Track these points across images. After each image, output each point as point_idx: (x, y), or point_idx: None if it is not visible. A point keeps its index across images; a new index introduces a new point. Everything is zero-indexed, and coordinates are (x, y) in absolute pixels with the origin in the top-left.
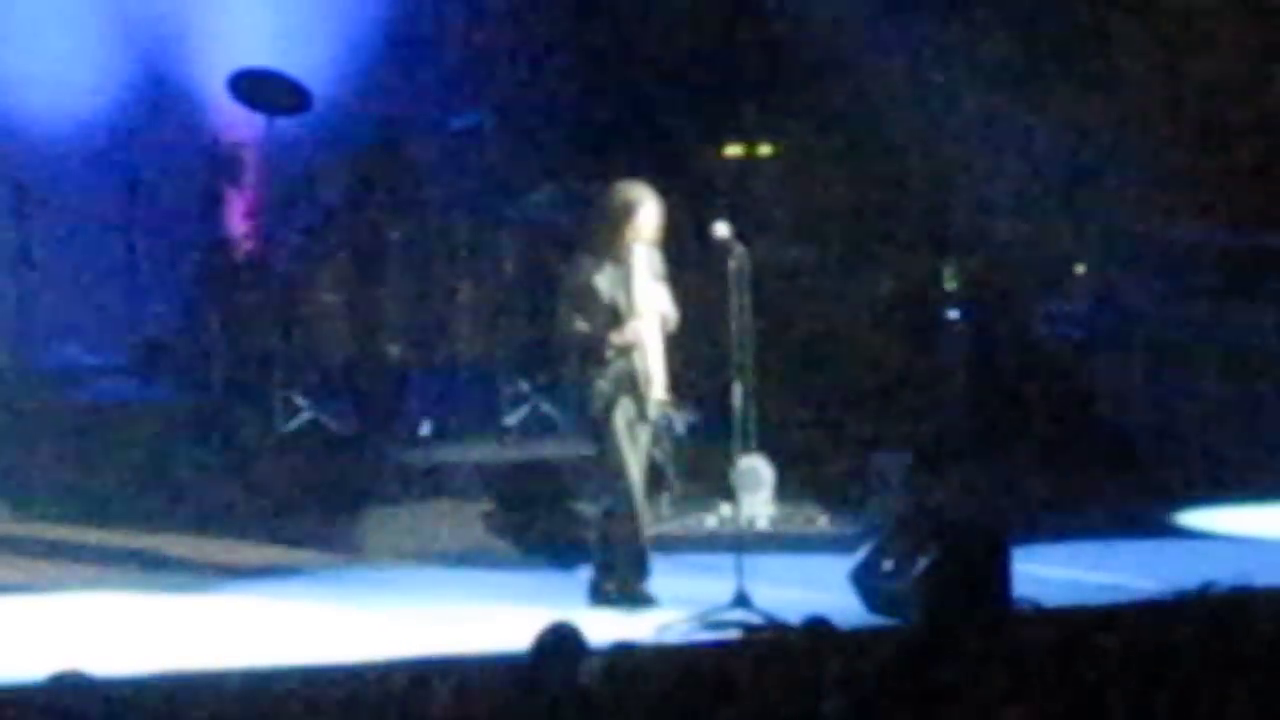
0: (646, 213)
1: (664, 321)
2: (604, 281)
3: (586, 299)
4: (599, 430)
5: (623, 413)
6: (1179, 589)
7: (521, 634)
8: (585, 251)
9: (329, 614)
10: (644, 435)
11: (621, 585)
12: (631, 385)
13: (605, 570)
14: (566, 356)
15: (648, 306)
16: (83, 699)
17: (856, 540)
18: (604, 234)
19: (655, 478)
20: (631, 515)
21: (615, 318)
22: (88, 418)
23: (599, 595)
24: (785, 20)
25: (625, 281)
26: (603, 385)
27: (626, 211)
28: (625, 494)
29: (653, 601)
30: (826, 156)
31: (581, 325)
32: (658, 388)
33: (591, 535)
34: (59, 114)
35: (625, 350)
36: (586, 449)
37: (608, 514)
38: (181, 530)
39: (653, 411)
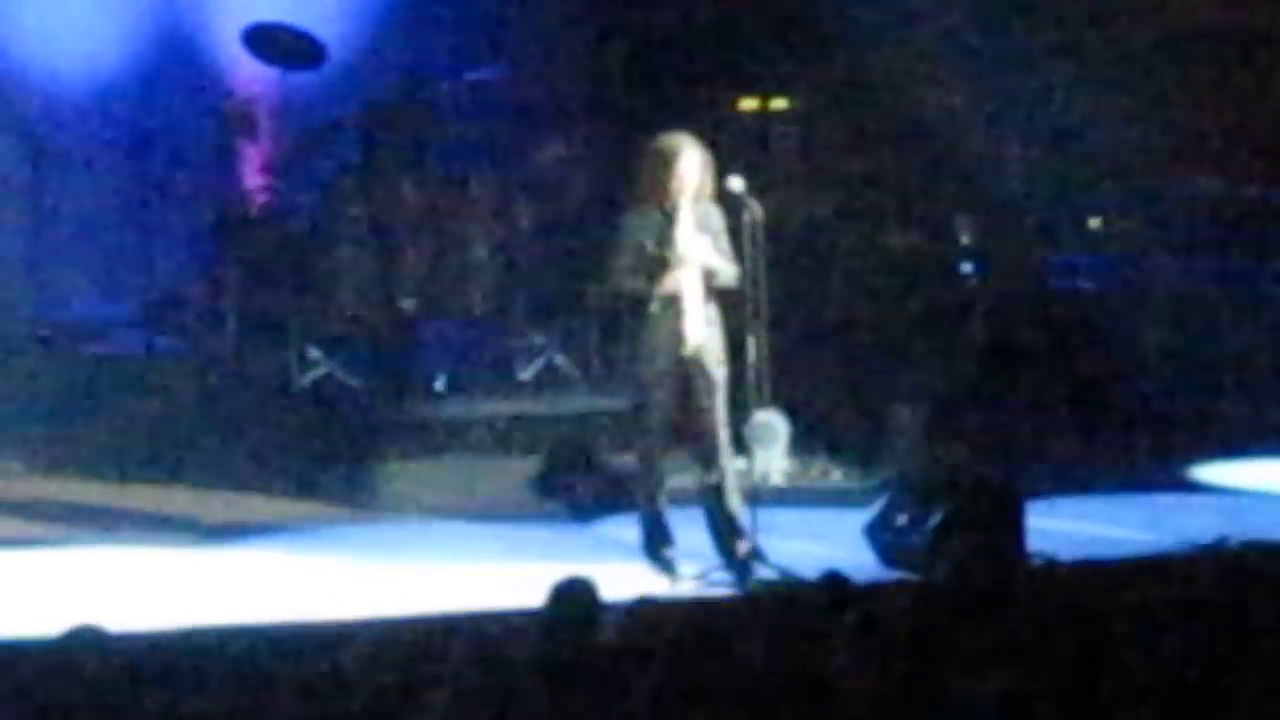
0: (687, 161)
1: (712, 275)
2: (648, 234)
3: (632, 252)
4: (636, 387)
5: (662, 370)
6: (1193, 543)
7: (537, 589)
8: (632, 205)
9: (343, 568)
10: (700, 392)
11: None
12: (678, 341)
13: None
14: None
15: (692, 259)
16: (97, 654)
17: (871, 495)
18: (647, 186)
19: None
20: (647, 475)
21: (660, 269)
22: (102, 371)
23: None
24: None
25: (668, 233)
26: (648, 341)
27: (667, 161)
28: (644, 454)
29: (669, 568)
30: (841, 110)
31: (627, 279)
32: (711, 346)
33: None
34: (73, 69)
35: (669, 302)
36: (604, 401)
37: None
38: (196, 484)
39: (713, 369)
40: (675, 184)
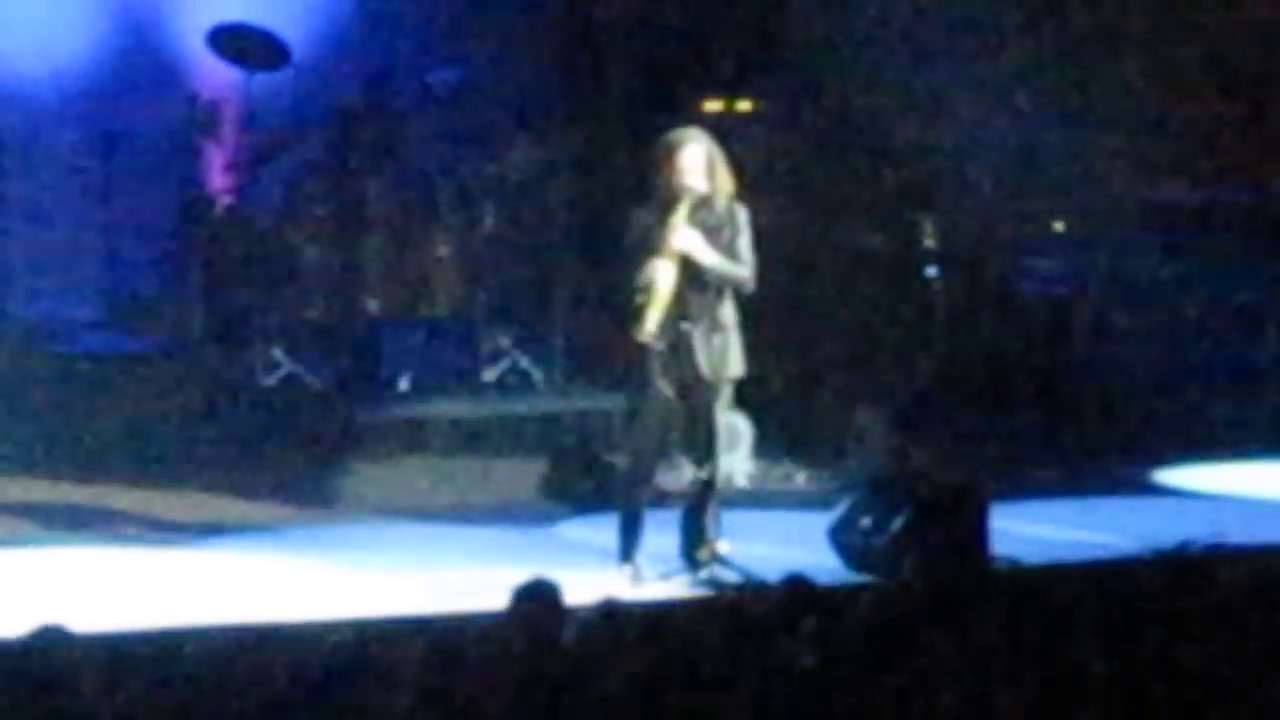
0: (688, 156)
1: (705, 271)
2: (647, 229)
3: (632, 249)
4: (632, 391)
5: (664, 375)
6: (1156, 546)
7: (499, 591)
8: (640, 203)
9: (307, 569)
10: (704, 396)
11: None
12: (684, 339)
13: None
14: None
15: (674, 249)
16: (62, 654)
17: (835, 497)
18: (652, 181)
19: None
20: (630, 483)
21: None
22: (66, 371)
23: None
24: None
25: (666, 226)
26: (645, 346)
27: (668, 155)
28: (631, 461)
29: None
30: (807, 112)
31: (627, 275)
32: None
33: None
34: (37, 67)
35: (646, 291)
36: (569, 403)
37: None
38: (160, 485)
39: (707, 370)
40: (676, 178)
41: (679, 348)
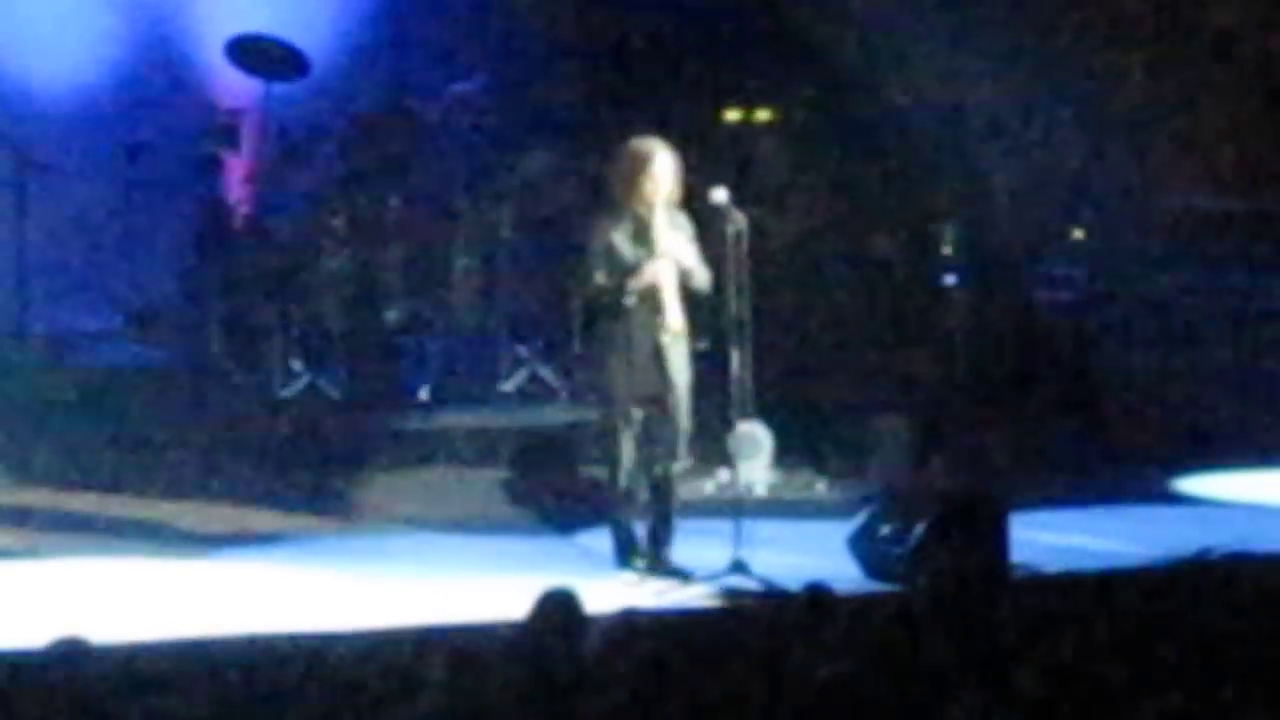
0: (661, 164)
1: (687, 274)
2: (623, 238)
3: (608, 257)
4: (604, 400)
5: (635, 383)
6: (1176, 555)
7: (519, 601)
8: (604, 211)
9: (326, 580)
10: (674, 402)
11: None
12: (657, 329)
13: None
14: (589, 317)
15: (670, 252)
16: (82, 666)
17: (854, 506)
18: (620, 190)
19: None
20: (616, 488)
21: (636, 266)
22: (86, 383)
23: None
24: None
25: (645, 235)
26: (625, 336)
27: (639, 165)
28: (612, 478)
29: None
30: (825, 121)
31: (603, 280)
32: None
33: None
34: (57, 79)
35: (648, 293)
36: (585, 414)
37: (606, 483)
38: (178, 496)
39: (679, 379)
40: (650, 186)
41: (649, 356)
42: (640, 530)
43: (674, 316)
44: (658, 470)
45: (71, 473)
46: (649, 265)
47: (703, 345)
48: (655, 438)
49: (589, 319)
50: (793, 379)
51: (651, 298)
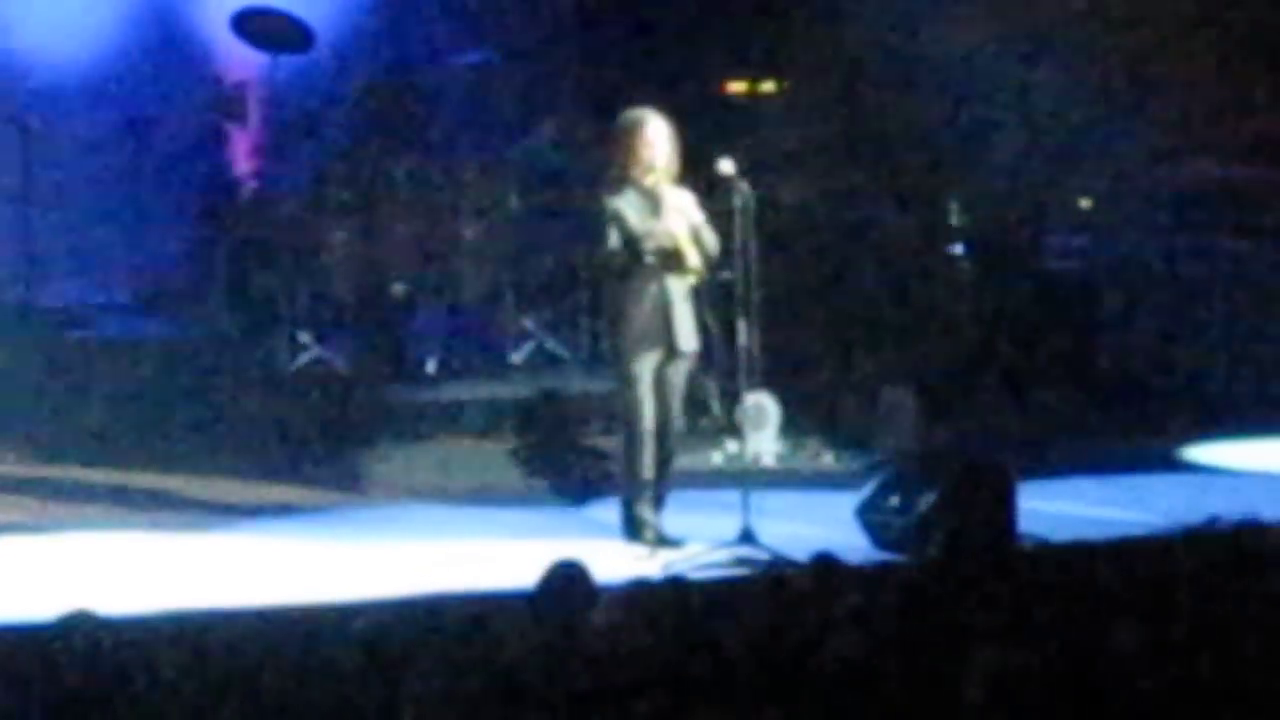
0: (654, 129)
1: (699, 230)
2: (629, 207)
3: (616, 226)
4: (620, 369)
5: (648, 350)
6: (1185, 524)
7: (528, 572)
8: (607, 185)
9: (335, 552)
10: (677, 369)
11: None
12: (665, 315)
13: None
14: (599, 285)
15: (681, 210)
16: (91, 639)
17: (862, 476)
18: (618, 160)
19: (698, 410)
20: (637, 457)
21: (647, 232)
22: (92, 356)
23: (629, 530)
24: None
25: (650, 199)
26: (637, 324)
27: (631, 132)
28: (629, 439)
29: (664, 541)
30: (830, 92)
31: (616, 251)
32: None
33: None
34: (62, 54)
35: (666, 255)
36: (594, 384)
37: (623, 453)
38: (187, 469)
39: (685, 343)
40: (647, 151)
41: (659, 318)
42: (650, 501)
43: (695, 260)
44: (660, 451)
45: (78, 446)
46: (661, 224)
47: (726, 274)
48: (661, 400)
49: (598, 286)
50: (800, 349)
51: (666, 256)
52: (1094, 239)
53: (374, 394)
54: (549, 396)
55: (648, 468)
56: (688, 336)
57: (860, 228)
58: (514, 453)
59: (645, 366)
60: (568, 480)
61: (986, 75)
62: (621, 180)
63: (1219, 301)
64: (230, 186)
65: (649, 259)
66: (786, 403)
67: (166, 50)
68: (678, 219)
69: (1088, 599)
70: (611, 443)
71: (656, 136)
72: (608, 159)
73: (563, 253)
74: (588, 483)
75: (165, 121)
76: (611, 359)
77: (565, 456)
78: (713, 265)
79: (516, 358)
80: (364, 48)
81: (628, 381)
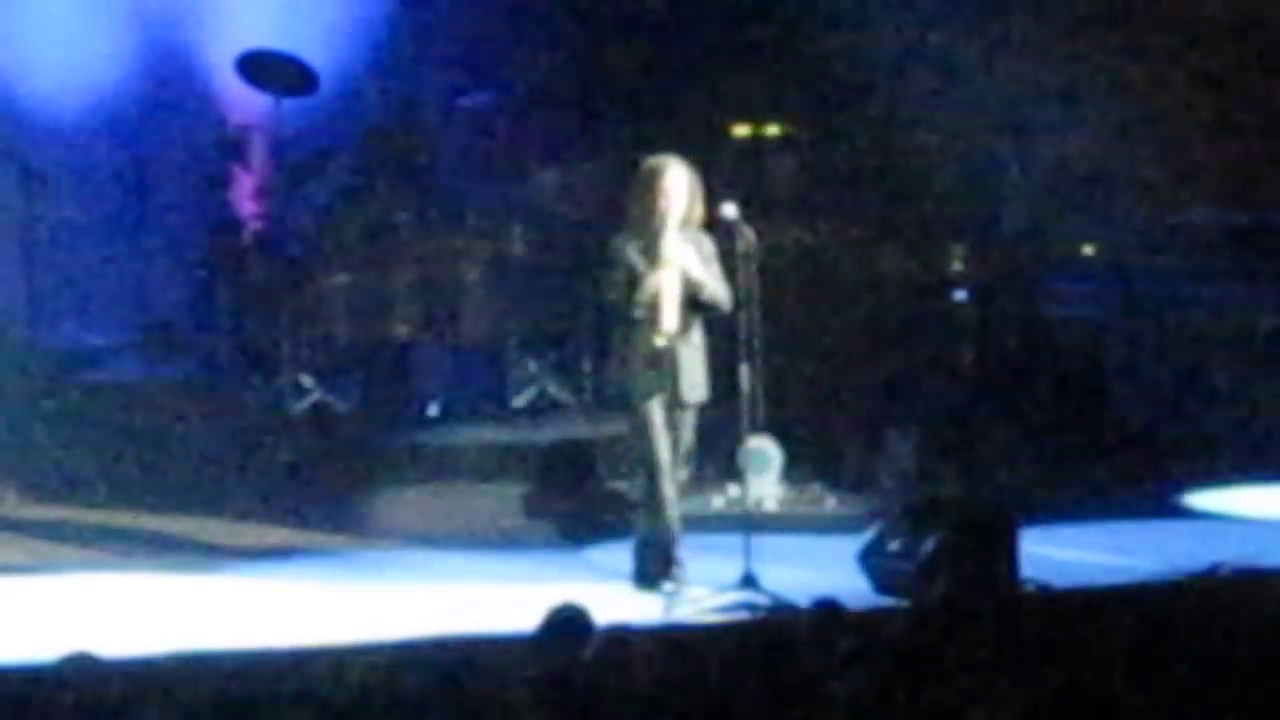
0: (673, 179)
1: (698, 288)
2: (635, 253)
3: (623, 273)
4: (630, 414)
5: (655, 395)
6: (1187, 570)
7: (529, 615)
8: (624, 229)
9: (337, 595)
10: (684, 416)
11: (653, 569)
12: (665, 361)
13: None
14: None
15: (674, 262)
16: (92, 680)
17: (864, 521)
18: (635, 207)
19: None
20: (654, 503)
21: (645, 280)
22: (96, 398)
23: (640, 579)
24: None
25: (654, 249)
26: (638, 367)
27: (652, 180)
28: (650, 482)
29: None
30: (834, 137)
31: (613, 294)
32: (690, 369)
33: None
34: (66, 95)
35: (651, 306)
36: (598, 429)
37: (638, 500)
38: (190, 511)
39: (690, 393)
40: (662, 201)
41: (663, 366)
42: (676, 542)
43: (669, 323)
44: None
45: (79, 487)
46: (651, 276)
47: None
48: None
49: (604, 332)
50: (802, 394)
51: (649, 310)
52: (1096, 286)
53: (376, 437)
54: (553, 441)
55: (671, 507)
56: (692, 387)
57: (862, 272)
58: (517, 497)
59: (654, 410)
60: (572, 524)
61: (991, 121)
62: (634, 225)
63: (1223, 347)
64: (234, 228)
65: (636, 311)
66: (788, 447)
67: (171, 92)
68: (671, 274)
69: (1089, 644)
70: (619, 486)
71: (674, 186)
72: (626, 204)
73: (567, 297)
74: (592, 526)
75: (169, 163)
76: (619, 405)
77: (569, 500)
78: (711, 317)
79: (520, 401)
80: (368, 91)
81: (639, 426)
